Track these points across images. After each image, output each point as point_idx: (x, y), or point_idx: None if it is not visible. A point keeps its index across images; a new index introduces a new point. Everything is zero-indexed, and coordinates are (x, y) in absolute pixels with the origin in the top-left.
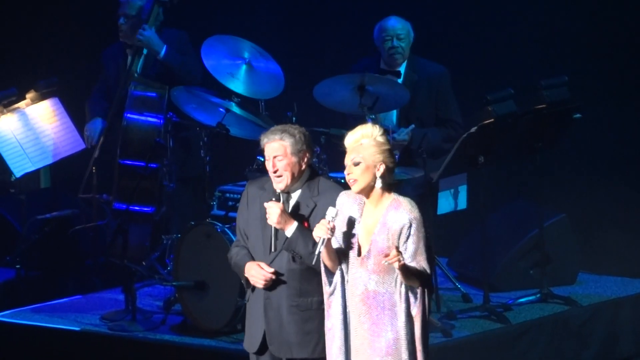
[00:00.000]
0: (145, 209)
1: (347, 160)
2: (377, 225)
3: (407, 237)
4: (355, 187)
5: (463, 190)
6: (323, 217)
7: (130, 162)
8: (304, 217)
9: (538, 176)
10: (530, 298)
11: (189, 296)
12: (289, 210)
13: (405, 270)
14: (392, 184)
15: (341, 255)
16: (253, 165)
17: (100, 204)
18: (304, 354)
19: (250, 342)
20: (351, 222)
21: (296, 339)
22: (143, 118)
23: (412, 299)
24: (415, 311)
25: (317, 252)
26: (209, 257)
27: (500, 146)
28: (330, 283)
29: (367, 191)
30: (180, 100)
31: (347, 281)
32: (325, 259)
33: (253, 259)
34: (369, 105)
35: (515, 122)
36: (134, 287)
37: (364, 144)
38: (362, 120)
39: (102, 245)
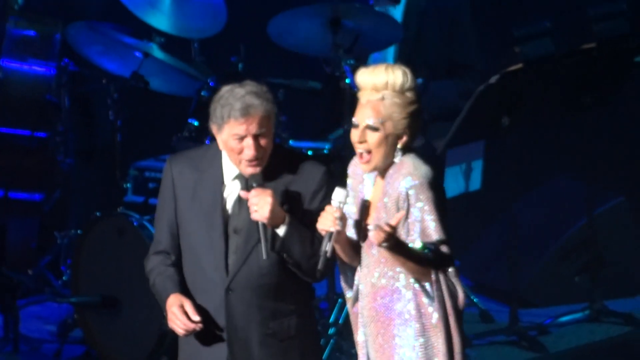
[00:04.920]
0: (31, 195)
1: (359, 119)
2: (378, 199)
3: (407, 213)
4: (367, 166)
5: (478, 166)
6: (299, 200)
7: (8, 131)
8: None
9: (586, 144)
10: (576, 316)
11: (94, 317)
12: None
13: (400, 254)
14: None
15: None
16: (183, 132)
17: None
18: None
19: None
20: (365, 207)
21: None
22: (26, 67)
23: (424, 298)
24: (436, 317)
25: (324, 251)
26: (121, 262)
27: (533, 103)
28: (351, 286)
29: (382, 168)
30: (79, 42)
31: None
32: (340, 254)
33: (178, 284)
34: (346, 46)
35: (553, 69)
36: (16, 306)
37: (387, 99)
38: (338, 68)
39: None
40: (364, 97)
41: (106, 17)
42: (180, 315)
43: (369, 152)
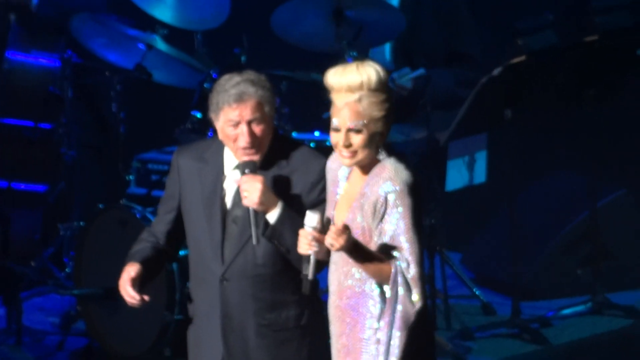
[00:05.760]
0: (35, 187)
1: (340, 122)
2: (355, 199)
3: (382, 217)
4: (350, 160)
5: (481, 158)
6: (297, 191)
7: (12, 122)
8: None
9: (588, 136)
10: (579, 309)
11: (96, 309)
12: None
13: (357, 256)
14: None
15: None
16: (186, 124)
17: None
18: None
19: None
20: (329, 223)
21: None
22: (31, 59)
23: (380, 303)
24: (382, 323)
25: (304, 274)
26: (124, 254)
27: (535, 95)
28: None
29: (364, 164)
30: (83, 33)
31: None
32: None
33: (142, 259)
34: (349, 39)
35: (555, 61)
36: (19, 297)
37: (364, 100)
38: (341, 60)
39: None
40: (339, 99)
41: (110, 9)
42: (123, 281)
43: (355, 152)
